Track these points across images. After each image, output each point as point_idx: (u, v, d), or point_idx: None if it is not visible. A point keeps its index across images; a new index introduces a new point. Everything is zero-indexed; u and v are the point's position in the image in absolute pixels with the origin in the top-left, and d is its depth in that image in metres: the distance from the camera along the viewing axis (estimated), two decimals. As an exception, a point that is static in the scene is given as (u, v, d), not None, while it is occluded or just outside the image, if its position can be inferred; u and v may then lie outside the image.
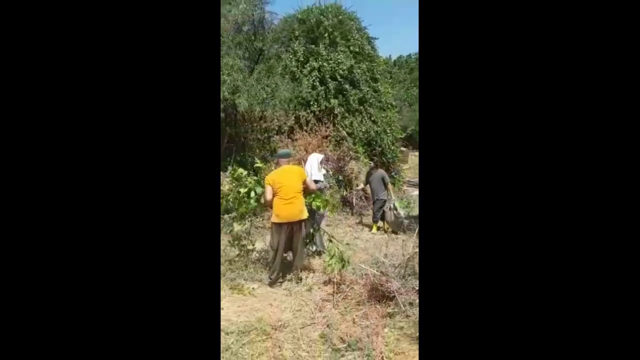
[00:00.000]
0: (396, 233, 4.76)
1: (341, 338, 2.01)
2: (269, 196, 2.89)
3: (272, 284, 2.85)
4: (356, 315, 2.27)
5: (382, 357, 1.80)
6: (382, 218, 5.04)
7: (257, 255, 3.36)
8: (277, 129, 6.95)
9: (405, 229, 4.81)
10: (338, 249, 2.70)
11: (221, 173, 5.47)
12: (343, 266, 2.62)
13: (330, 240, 3.31)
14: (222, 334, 2.05)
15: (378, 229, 5.10)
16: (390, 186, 5.11)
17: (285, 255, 3.07)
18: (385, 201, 4.99)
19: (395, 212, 4.83)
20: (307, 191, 3.12)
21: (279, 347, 1.89)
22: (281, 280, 2.92)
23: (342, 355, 1.84)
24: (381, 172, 5.16)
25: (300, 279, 2.91)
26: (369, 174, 5.30)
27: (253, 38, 6.53)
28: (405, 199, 5.84)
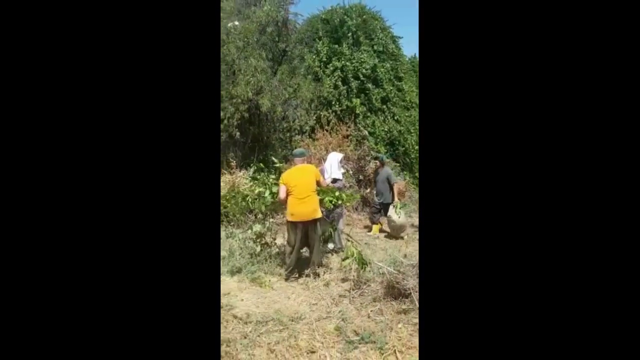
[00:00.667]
0: (396, 238, 4.43)
1: (355, 331, 2.04)
2: (282, 195, 2.99)
3: (287, 278, 2.93)
4: (371, 311, 2.30)
5: (395, 350, 1.82)
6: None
7: (277, 250, 3.45)
8: (298, 128, 7.05)
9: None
10: (356, 249, 2.72)
11: (243, 172, 5.64)
12: (363, 268, 2.64)
13: (349, 240, 3.31)
14: (240, 323, 2.15)
15: (380, 230, 4.75)
16: (396, 187, 4.57)
17: (302, 251, 3.15)
18: (380, 206, 4.58)
19: (392, 216, 4.36)
20: (322, 189, 3.15)
21: (295, 337, 1.96)
22: (296, 275, 2.99)
23: (355, 347, 1.88)
24: (387, 171, 4.69)
25: (318, 275, 2.97)
26: (375, 173, 4.92)
27: (277, 39, 6.66)
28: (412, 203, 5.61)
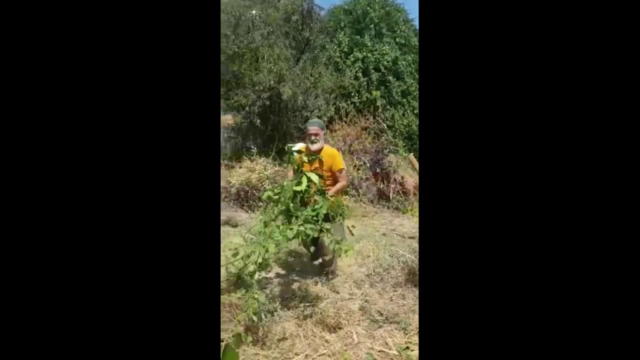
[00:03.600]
0: None
1: (379, 312, 2.12)
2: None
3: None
4: (393, 295, 2.36)
5: (418, 332, 1.88)
6: None
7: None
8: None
9: None
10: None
11: (263, 159, 5.73)
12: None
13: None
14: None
15: None
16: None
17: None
18: None
19: None
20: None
21: (321, 313, 2.04)
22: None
23: (380, 326, 1.95)
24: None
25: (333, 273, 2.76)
26: None
27: (301, 28, 6.68)
28: None
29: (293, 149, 2.48)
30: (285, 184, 2.18)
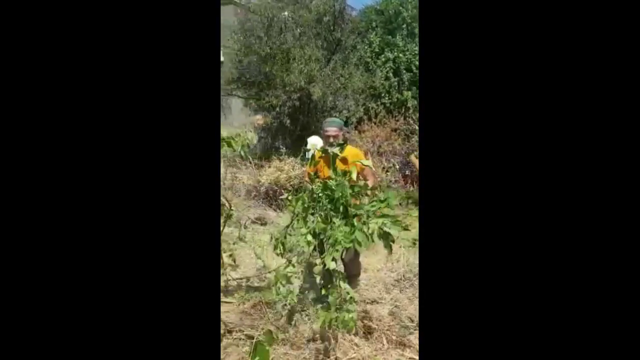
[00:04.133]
0: None
1: (409, 318, 2.07)
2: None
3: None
4: (424, 301, 2.31)
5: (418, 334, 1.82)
6: None
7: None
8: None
9: None
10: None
11: (292, 159, 5.79)
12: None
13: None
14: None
15: None
16: None
17: None
18: None
19: None
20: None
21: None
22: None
23: (411, 333, 1.91)
24: None
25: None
26: None
27: (332, 29, 6.68)
28: None
29: (308, 145, 2.30)
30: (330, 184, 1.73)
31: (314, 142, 3.85)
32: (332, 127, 2.28)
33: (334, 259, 1.56)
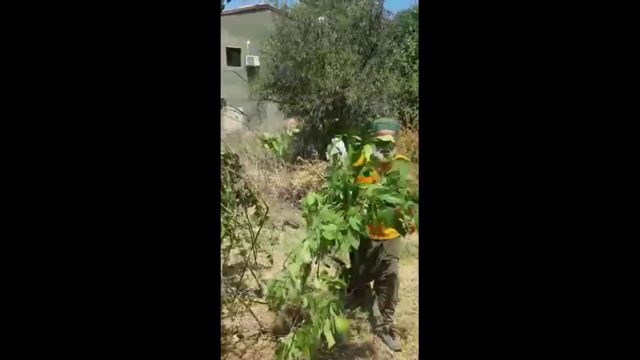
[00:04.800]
0: None
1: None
2: None
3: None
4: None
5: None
6: None
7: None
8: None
9: None
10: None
11: (323, 163, 5.82)
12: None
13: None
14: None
15: None
16: None
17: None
18: None
19: None
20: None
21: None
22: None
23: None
24: None
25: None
26: None
27: (368, 33, 6.65)
28: None
29: (333, 148, 2.05)
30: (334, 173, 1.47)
31: (340, 147, 3.77)
32: (389, 129, 1.76)
33: (311, 251, 1.30)
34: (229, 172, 2.08)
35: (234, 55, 11.72)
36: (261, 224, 2.26)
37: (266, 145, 1.75)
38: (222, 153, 1.99)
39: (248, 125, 6.61)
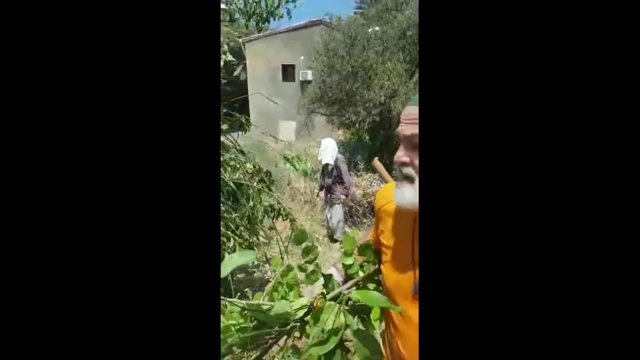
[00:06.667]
0: None
1: None
2: None
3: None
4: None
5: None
6: None
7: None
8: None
9: None
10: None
11: (370, 174, 5.74)
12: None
13: None
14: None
15: None
16: None
17: None
18: None
19: None
20: None
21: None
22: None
23: None
24: None
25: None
26: None
27: (416, 41, 6.51)
28: None
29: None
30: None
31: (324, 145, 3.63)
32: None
33: None
34: (259, 189, 2.17)
35: (289, 71, 12.24)
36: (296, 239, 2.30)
37: (287, 164, 1.80)
38: (250, 169, 2.09)
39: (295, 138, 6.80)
